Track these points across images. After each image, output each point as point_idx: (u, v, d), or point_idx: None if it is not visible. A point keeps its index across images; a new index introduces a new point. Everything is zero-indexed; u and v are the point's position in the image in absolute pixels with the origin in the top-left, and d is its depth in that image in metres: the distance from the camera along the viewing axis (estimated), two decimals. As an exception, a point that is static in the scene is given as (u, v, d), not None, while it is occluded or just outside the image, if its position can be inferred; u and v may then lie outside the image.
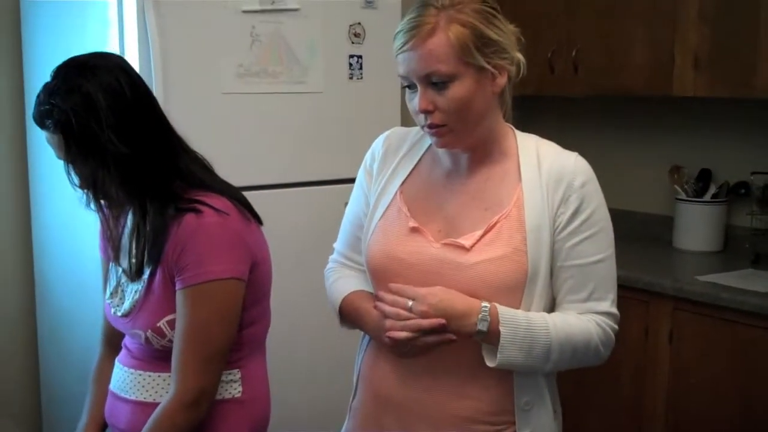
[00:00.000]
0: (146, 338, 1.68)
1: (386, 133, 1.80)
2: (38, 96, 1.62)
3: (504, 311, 1.54)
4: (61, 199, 2.68)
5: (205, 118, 2.39)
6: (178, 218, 1.62)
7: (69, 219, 2.65)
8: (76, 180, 1.64)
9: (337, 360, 2.37)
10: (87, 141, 1.59)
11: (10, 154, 2.92)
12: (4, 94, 2.88)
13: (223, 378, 1.70)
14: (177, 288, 1.64)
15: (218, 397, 1.69)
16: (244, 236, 1.67)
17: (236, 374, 1.73)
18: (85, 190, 1.65)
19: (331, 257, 1.86)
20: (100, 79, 1.60)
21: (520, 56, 1.59)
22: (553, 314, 1.59)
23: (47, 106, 1.59)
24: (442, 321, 1.52)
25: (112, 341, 1.88)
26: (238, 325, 1.68)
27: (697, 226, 3.19)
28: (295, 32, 2.59)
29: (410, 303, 1.54)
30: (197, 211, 1.62)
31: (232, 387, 1.72)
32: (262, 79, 2.54)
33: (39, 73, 2.73)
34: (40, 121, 1.62)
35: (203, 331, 1.62)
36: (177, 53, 2.36)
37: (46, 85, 1.62)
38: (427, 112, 1.56)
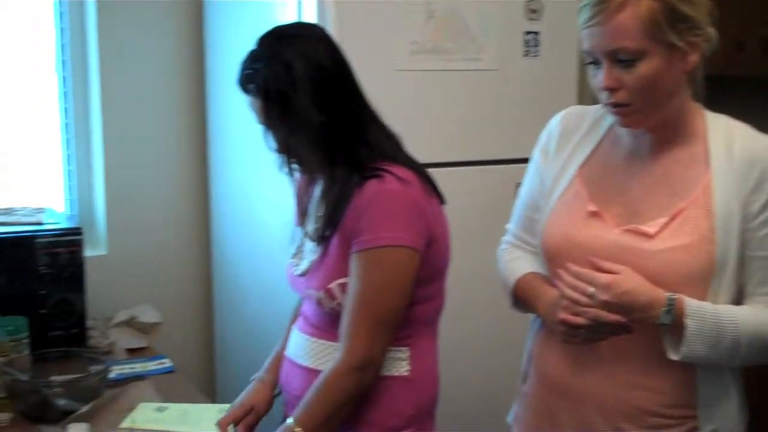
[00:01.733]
0: (318, 299, 1.71)
1: (563, 111, 1.74)
2: (243, 61, 1.69)
3: (690, 303, 1.46)
4: (237, 168, 2.78)
5: (377, 96, 2.40)
6: (361, 184, 1.64)
7: (244, 187, 2.74)
8: (273, 144, 1.70)
9: (507, 343, 2.35)
10: (284, 107, 1.64)
11: (191, 130, 3.03)
12: (186, 70, 3.01)
13: (392, 354, 1.70)
14: (351, 251, 1.65)
15: (386, 372, 1.70)
16: (424, 208, 1.66)
17: (405, 352, 1.72)
18: (280, 154, 1.70)
19: (504, 238, 1.82)
20: (300, 48, 1.65)
21: (713, 31, 1.50)
22: (742, 307, 1.50)
23: (250, 71, 1.67)
24: (622, 320, 1.47)
25: None
26: (409, 300, 1.68)
27: None
28: (470, 8, 2.54)
29: (591, 290, 1.49)
30: (380, 177, 1.63)
31: (400, 364, 1.72)
32: (435, 56, 2.52)
33: (219, 63, 2.85)
34: (244, 84, 1.69)
35: (373, 296, 1.63)
36: (352, 30, 2.37)
37: (251, 52, 1.69)
38: (611, 90, 1.49)
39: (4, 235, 2.43)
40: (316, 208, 1.76)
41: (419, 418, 1.76)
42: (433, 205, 1.71)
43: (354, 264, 1.65)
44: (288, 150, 1.69)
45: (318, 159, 1.69)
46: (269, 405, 1.88)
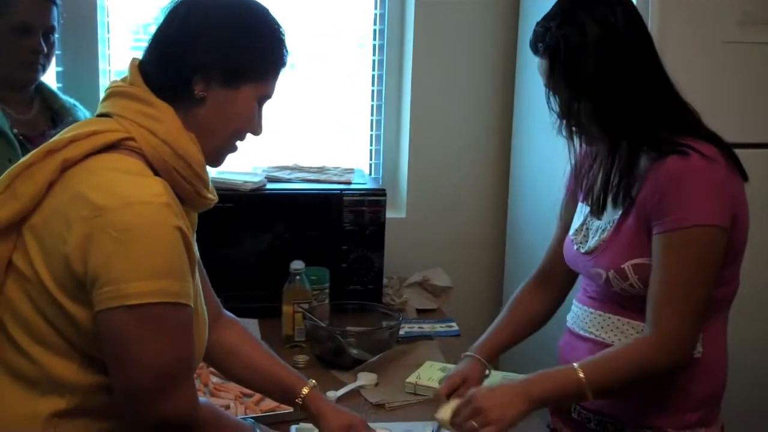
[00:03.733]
0: (607, 278, 1.65)
1: None
2: (538, 22, 1.65)
3: None
4: (539, 144, 2.74)
5: (701, 69, 2.25)
6: (658, 161, 1.57)
7: (545, 162, 2.71)
8: (554, 106, 1.65)
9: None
10: (569, 69, 1.59)
11: (497, 104, 3.04)
12: (498, 47, 3.01)
13: None
14: (655, 233, 1.57)
15: None
16: (729, 187, 1.57)
17: (698, 334, 1.63)
18: (561, 119, 1.65)
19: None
20: (597, 11, 1.59)
21: None
22: None
23: (541, 29, 1.63)
24: None
25: (546, 277, 1.91)
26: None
27: None
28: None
29: None
30: (683, 153, 1.54)
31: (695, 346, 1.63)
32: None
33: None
34: (534, 44, 1.65)
35: (683, 279, 1.54)
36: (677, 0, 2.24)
37: (548, 12, 1.64)
38: None
39: (316, 191, 2.59)
40: (595, 179, 1.71)
41: (709, 403, 1.68)
42: (737, 184, 1.60)
43: (657, 246, 1.57)
44: (569, 115, 1.63)
45: (600, 128, 1.62)
46: (480, 381, 1.83)
